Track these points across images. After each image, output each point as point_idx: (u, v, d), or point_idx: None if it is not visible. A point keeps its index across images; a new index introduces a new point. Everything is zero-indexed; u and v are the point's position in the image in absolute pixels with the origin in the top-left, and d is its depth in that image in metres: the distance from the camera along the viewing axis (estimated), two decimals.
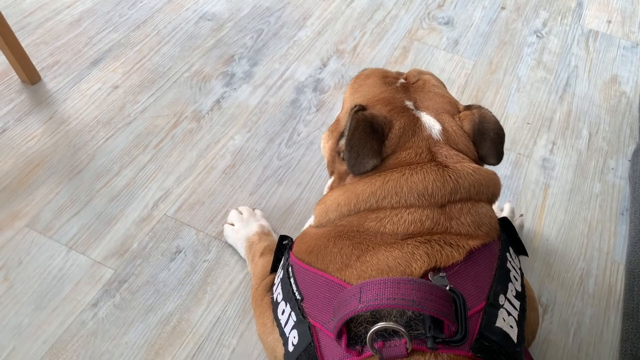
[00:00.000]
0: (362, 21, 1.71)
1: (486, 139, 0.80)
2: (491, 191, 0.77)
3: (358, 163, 0.75)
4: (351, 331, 0.65)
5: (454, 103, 0.85)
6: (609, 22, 1.78)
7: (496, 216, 0.78)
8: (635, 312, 1.00)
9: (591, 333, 1.07)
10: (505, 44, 1.68)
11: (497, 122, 0.81)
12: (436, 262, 0.68)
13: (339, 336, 0.65)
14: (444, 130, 0.79)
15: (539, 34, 1.72)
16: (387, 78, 0.90)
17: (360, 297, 0.62)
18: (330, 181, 0.88)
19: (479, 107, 0.82)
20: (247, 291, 1.08)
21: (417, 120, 0.79)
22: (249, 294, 1.08)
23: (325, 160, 0.93)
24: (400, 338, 0.62)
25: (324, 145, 0.94)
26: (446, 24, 1.73)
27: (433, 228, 0.71)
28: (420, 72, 0.92)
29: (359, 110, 0.78)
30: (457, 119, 0.81)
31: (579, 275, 1.15)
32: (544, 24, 1.75)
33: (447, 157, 0.76)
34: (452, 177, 0.73)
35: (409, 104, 0.82)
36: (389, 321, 0.63)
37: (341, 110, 0.92)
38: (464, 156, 0.77)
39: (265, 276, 0.97)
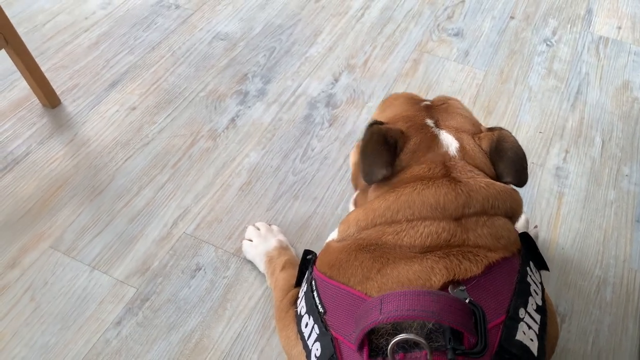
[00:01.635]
0: (373, 35, 1.73)
1: (502, 158, 0.80)
2: (508, 206, 0.77)
3: (370, 172, 0.79)
4: (372, 343, 0.67)
5: (476, 124, 0.88)
6: (619, 28, 1.78)
7: (515, 230, 0.78)
8: None
9: (610, 341, 1.07)
10: (516, 54, 1.69)
11: (515, 142, 0.81)
12: (455, 275, 0.69)
13: (360, 347, 0.67)
14: (462, 147, 0.81)
15: (548, 43, 1.73)
16: (413, 99, 0.94)
17: (381, 309, 0.63)
18: (355, 195, 0.91)
19: (500, 129, 0.83)
20: (266, 307, 1.10)
21: (434, 137, 0.82)
22: (268, 310, 1.09)
23: (351, 174, 0.96)
24: (421, 350, 0.63)
25: (351, 160, 0.97)
26: (456, 35, 1.75)
27: (450, 240, 0.72)
28: (447, 98, 0.94)
29: (374, 124, 0.81)
30: (477, 139, 0.83)
31: (596, 284, 1.15)
32: (554, 32, 1.76)
33: (462, 172, 0.77)
34: (464, 190, 0.74)
35: (430, 122, 0.85)
36: (410, 333, 0.64)
37: None
38: (480, 172, 0.79)
39: (289, 289, 0.99)
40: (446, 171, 0.78)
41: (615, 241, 1.23)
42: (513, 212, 0.78)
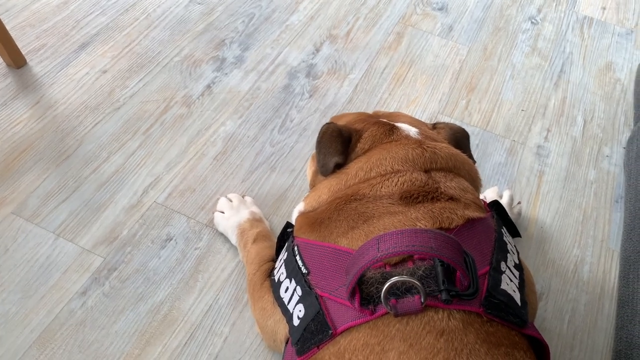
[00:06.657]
0: (356, 6, 1.68)
1: (463, 143, 0.91)
2: (467, 169, 0.83)
3: (326, 163, 0.84)
4: (363, 292, 0.65)
5: (423, 122, 0.96)
6: (604, 8, 1.76)
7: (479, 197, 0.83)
8: (631, 299, 0.99)
9: (585, 320, 1.07)
10: (500, 30, 1.66)
11: (461, 127, 0.93)
12: (439, 223, 0.71)
13: (352, 295, 0.65)
14: (421, 132, 0.87)
15: (533, 20, 1.70)
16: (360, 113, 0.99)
17: (378, 247, 0.63)
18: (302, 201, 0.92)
19: (445, 122, 0.94)
20: (239, 280, 1.06)
21: (392, 126, 0.87)
22: (241, 283, 1.06)
23: (309, 183, 0.98)
24: (413, 296, 0.63)
25: (308, 171, 1.01)
26: (440, 9, 1.71)
27: (424, 187, 0.75)
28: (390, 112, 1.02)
29: (328, 124, 0.87)
30: (433, 130, 0.92)
31: (574, 263, 1.15)
32: (539, 10, 1.74)
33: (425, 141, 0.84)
34: (429, 147, 0.81)
35: (384, 120, 0.90)
36: (403, 276, 0.63)
37: None
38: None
39: (262, 262, 0.97)
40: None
41: (594, 221, 1.22)
42: (472, 179, 0.84)
